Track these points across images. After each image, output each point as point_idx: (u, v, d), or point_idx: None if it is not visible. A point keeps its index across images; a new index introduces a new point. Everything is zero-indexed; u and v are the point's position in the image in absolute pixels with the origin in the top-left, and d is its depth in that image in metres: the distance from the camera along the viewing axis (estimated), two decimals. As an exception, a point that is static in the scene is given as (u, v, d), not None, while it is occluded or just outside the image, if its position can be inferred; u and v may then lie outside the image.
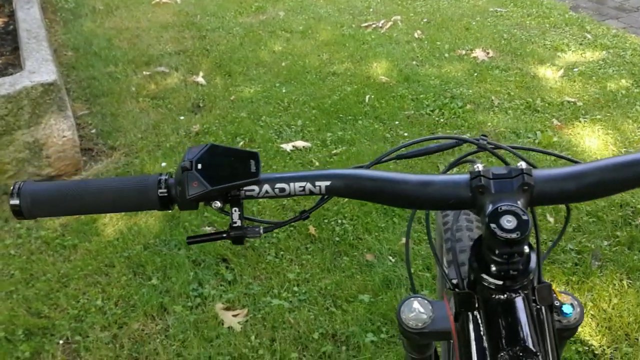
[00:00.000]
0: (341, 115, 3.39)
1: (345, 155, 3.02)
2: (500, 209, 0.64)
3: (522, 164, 0.68)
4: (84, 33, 4.64)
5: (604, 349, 1.96)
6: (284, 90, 3.70)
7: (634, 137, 3.05)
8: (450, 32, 4.42)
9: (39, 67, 2.92)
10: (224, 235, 0.74)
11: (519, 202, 0.65)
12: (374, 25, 4.55)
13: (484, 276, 0.67)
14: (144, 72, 4.03)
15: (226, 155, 0.72)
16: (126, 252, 2.46)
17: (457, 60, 4.00)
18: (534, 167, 0.72)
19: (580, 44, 4.14)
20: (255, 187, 0.72)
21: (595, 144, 3.01)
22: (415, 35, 4.38)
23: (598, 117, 3.25)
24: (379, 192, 0.71)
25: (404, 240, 2.41)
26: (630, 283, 2.19)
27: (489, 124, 3.22)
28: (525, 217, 0.63)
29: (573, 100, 3.42)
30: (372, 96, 3.56)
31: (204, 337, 2.09)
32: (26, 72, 2.87)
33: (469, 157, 0.81)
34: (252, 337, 2.07)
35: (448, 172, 0.76)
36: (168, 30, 4.68)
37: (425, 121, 3.29)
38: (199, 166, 0.70)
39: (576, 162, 0.72)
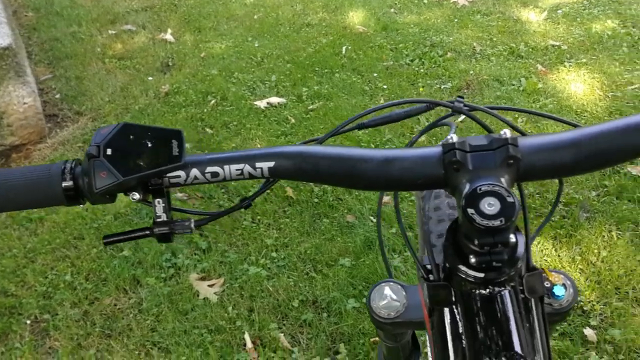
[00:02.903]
0: (317, 69, 3.24)
1: (322, 110, 2.89)
2: (480, 189, 0.52)
3: (506, 132, 0.56)
4: (44, -9, 4.40)
5: (593, 305, 1.89)
6: (256, 45, 3.53)
7: (621, 80, 2.93)
8: (429, -24, 4.24)
9: (-9, 30, 2.73)
10: (147, 232, 0.63)
11: (502, 180, 0.54)
12: (349, -28, 4.35)
13: (462, 267, 0.56)
14: (110, 31, 3.83)
15: (142, 136, 0.60)
16: (95, 223, 2.35)
17: (437, 5, 3.83)
18: (523, 133, 0.60)
19: (564, -16, 3.98)
20: (181, 173, 0.60)
21: (581, 89, 2.90)
22: (393, -19, 4.19)
23: (583, 60, 3.13)
24: (334, 173, 0.58)
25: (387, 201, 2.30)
26: (619, 234, 2.11)
27: (471, 72, 3.09)
28: (510, 199, 0.51)
29: (557, 43, 3.29)
30: (349, 47, 3.40)
31: (178, 310, 1.99)
32: (-23, 36, 2.68)
33: (447, 122, 0.69)
34: (229, 308, 1.98)
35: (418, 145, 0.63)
36: (134, -15, 4.45)
37: (405, 72, 3.15)
38: (109, 152, 0.58)
39: (575, 126, 0.61)
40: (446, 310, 0.61)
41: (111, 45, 3.67)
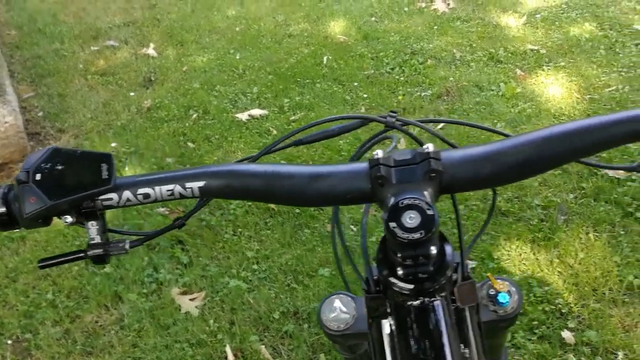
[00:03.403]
0: (299, 79, 3.25)
1: (304, 121, 2.90)
2: (402, 203, 0.53)
3: (429, 147, 0.58)
4: (27, 9, 4.41)
5: (571, 307, 1.90)
6: (238, 57, 3.54)
7: (598, 82, 2.96)
8: (409, -16, 4.26)
9: (-30, 51, 2.74)
10: (82, 255, 0.63)
11: (425, 193, 0.55)
12: (330, -18, 4.37)
13: (392, 280, 0.58)
14: (92, 47, 3.84)
15: (71, 160, 0.60)
16: (77, 241, 2.35)
17: (417, 13, 3.86)
18: (454, 146, 0.61)
19: (543, -12, 4.01)
20: (114, 195, 0.61)
21: (559, 92, 2.92)
22: (374, -11, 4.22)
23: (562, 64, 3.15)
24: (264, 190, 0.60)
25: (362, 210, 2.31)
26: (596, 236, 2.12)
27: (451, 78, 3.11)
28: (430, 212, 0.53)
29: (536, 48, 3.32)
30: (330, 57, 3.42)
31: (160, 324, 2.00)
32: (-44, 57, 2.69)
33: (390, 136, 0.70)
34: (211, 321, 1.98)
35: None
36: (116, 1, 4.47)
37: (386, 80, 3.17)
38: (38, 177, 0.58)
39: (507, 136, 0.62)
40: (384, 321, 0.62)
41: (93, 62, 3.68)
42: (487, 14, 3.75)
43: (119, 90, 3.35)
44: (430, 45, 3.44)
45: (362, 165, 0.58)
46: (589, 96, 2.86)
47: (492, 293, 0.75)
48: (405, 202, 0.54)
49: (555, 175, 2.41)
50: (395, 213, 0.53)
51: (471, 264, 2.07)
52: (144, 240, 0.67)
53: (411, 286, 0.57)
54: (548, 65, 3.15)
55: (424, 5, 3.93)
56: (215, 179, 0.60)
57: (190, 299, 2.08)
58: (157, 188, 0.60)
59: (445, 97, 2.98)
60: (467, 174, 0.56)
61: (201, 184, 0.60)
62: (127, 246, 0.64)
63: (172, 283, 2.14)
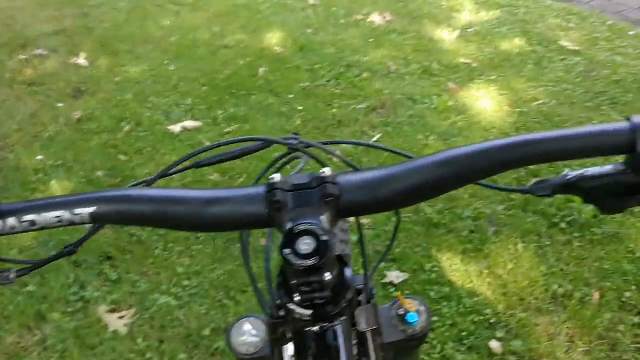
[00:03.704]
0: (234, 91, 3.22)
1: (238, 133, 2.88)
2: (297, 229, 0.52)
3: (326, 170, 0.57)
4: (-49, 16, 4.23)
5: (499, 317, 1.93)
6: (172, 68, 3.49)
7: (526, 96, 3.05)
8: (346, -3, 4.30)
9: None
10: None
11: (322, 218, 0.54)
12: (267, -6, 4.37)
13: (291, 306, 0.56)
14: (20, 56, 3.71)
15: None
16: None
17: (354, 26, 3.89)
18: (356, 168, 0.61)
19: (476, 3, 4.12)
20: None
21: (490, 105, 3.00)
22: (311, 1, 4.23)
23: (493, 77, 3.24)
24: (158, 216, 0.57)
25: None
26: (524, 246, 2.17)
27: (386, 91, 3.15)
28: (325, 238, 0.52)
29: (469, 61, 3.39)
30: (266, 69, 3.41)
31: (85, 344, 1.93)
32: None
33: (299, 156, 0.69)
34: (139, 340, 1.92)
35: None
36: (46, 8, 4.34)
37: (322, 93, 3.18)
38: None
39: (409, 157, 0.62)
40: (285, 347, 0.61)
41: (21, 71, 3.55)
42: (422, 27, 3.82)
43: (47, 101, 3.24)
44: (366, 58, 3.47)
45: (260, 189, 0.57)
46: (518, 109, 2.94)
47: (401, 313, 0.74)
48: (301, 227, 0.53)
49: (485, 187, 2.46)
50: (289, 239, 0.52)
51: (402, 276, 2.08)
52: (32, 269, 0.64)
53: (309, 312, 0.56)
54: (480, 79, 3.23)
55: (360, 17, 3.96)
56: (107, 205, 0.58)
57: (119, 317, 2.02)
58: (44, 215, 0.57)
59: (380, 110, 3.01)
60: (364, 198, 0.56)
61: (92, 210, 0.57)
62: (12, 276, 0.61)
63: (99, 301, 2.07)
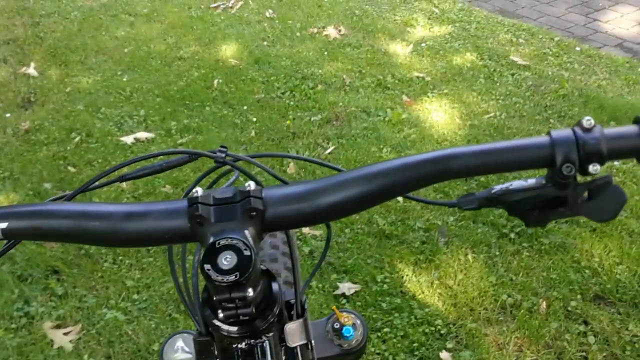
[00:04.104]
0: (187, 102, 3.20)
1: (191, 144, 2.85)
2: (218, 243, 0.52)
3: (250, 185, 0.57)
4: None
5: (449, 327, 1.95)
6: (126, 79, 3.44)
7: (478, 109, 3.10)
8: (302, 9, 4.31)
9: None
10: None
11: (246, 232, 0.54)
12: (223, 6, 4.35)
13: (216, 323, 0.55)
14: (-33, 66, 3.61)
15: None
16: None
17: (309, 39, 3.91)
18: (285, 182, 0.60)
19: (429, 19, 4.18)
20: None
21: (442, 118, 3.04)
22: (267, 14, 4.23)
23: (445, 91, 3.29)
24: (75, 231, 0.56)
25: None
26: (474, 257, 2.21)
27: (340, 103, 3.16)
28: (247, 253, 0.51)
29: (422, 75, 3.44)
30: (221, 80, 3.39)
31: (29, 362, 1.87)
32: None
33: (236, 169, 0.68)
34: (85, 356, 1.88)
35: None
36: (-4, 17, 4.23)
37: (276, 104, 3.17)
38: None
39: (339, 171, 0.62)
40: None
41: (-33, 81, 3.45)
42: (377, 41, 3.86)
43: (-5, 112, 3.16)
44: (321, 71, 3.49)
45: (181, 203, 0.56)
46: (469, 122, 2.99)
47: (337, 327, 0.74)
48: (222, 242, 0.52)
49: (436, 199, 2.49)
50: (210, 254, 0.51)
51: (354, 287, 2.08)
52: None
53: (234, 328, 0.55)
54: (432, 92, 3.28)
55: (315, 30, 3.98)
56: (20, 220, 0.56)
57: (64, 333, 1.97)
58: None
59: (334, 122, 3.02)
60: (290, 212, 0.56)
61: (3, 225, 0.55)
62: None
63: (44, 316, 2.02)
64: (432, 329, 1.94)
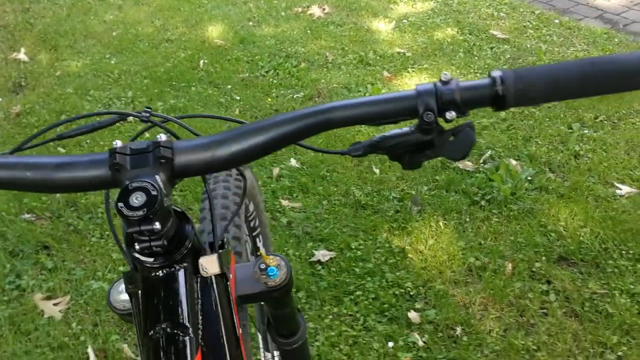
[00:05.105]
0: (174, 83, 3.28)
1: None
2: (131, 186, 0.61)
3: (162, 136, 0.66)
4: None
5: (419, 289, 2.05)
6: (114, 62, 3.52)
7: (456, 83, 3.17)
8: (288, -10, 4.37)
9: None
10: None
11: (157, 177, 0.63)
12: (210, -13, 4.42)
13: (136, 255, 0.65)
14: (-41, 53, 3.70)
15: None
16: None
17: (294, 18, 3.98)
18: (196, 135, 0.69)
19: (413, -5, 4.24)
20: None
21: (421, 92, 3.11)
22: (253, -5, 4.30)
23: (425, 66, 3.36)
24: (11, 179, 0.65)
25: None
26: (445, 223, 2.30)
27: (322, 80, 3.25)
28: (154, 193, 0.60)
29: (403, 51, 3.51)
30: (207, 61, 3.47)
31: (20, 331, 1.98)
32: None
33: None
34: (74, 324, 1.99)
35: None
36: (-13, 5, 4.31)
37: (260, 83, 3.26)
38: None
39: (241, 123, 0.71)
40: (139, 293, 0.69)
41: (-40, 67, 3.54)
42: (360, 18, 3.93)
43: (-13, 97, 3.25)
44: (304, 49, 3.56)
45: (104, 155, 0.65)
46: (446, 96, 3.07)
47: (262, 267, 0.84)
48: (134, 184, 0.61)
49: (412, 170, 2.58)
50: (123, 195, 0.60)
51: (328, 254, 2.18)
52: None
53: (151, 259, 0.64)
54: (413, 67, 3.35)
55: (300, 10, 4.05)
56: None
57: (54, 304, 2.08)
58: None
59: (316, 99, 3.11)
60: (197, 160, 0.65)
61: None
62: None
63: (35, 289, 2.13)
64: (402, 291, 2.05)
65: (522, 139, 2.74)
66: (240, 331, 0.74)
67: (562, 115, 2.90)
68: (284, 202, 2.42)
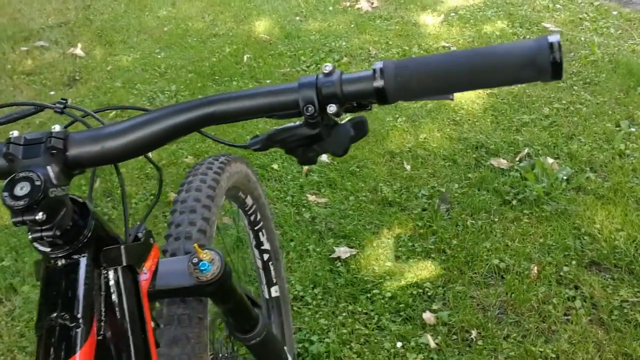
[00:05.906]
0: (217, 77, 3.33)
1: (216, 118, 2.98)
2: (18, 175, 0.62)
3: (56, 127, 0.66)
4: (-39, 11, 4.43)
5: (437, 290, 2.00)
6: (162, 56, 3.61)
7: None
8: (339, -16, 4.35)
9: None
10: None
11: (48, 168, 0.63)
12: (261, -18, 4.45)
13: (34, 244, 0.66)
14: (22, 48, 3.88)
15: None
16: (-19, 236, 2.41)
17: (342, 12, 3.96)
18: (104, 123, 0.70)
19: (467, -13, 4.13)
20: None
21: (463, 87, 3.03)
22: (303, -11, 4.30)
23: (470, 60, 3.26)
24: None
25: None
26: (473, 223, 2.23)
27: (363, 75, 3.21)
28: (38, 183, 0.61)
29: (448, 44, 3.43)
30: (251, 55, 3.51)
31: None
32: None
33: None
34: None
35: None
36: (51, 2, 4.50)
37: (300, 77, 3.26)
38: None
39: (145, 111, 0.70)
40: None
41: (21, 62, 3.72)
42: (408, 12, 3.86)
43: (42, 90, 3.40)
44: (348, 44, 3.54)
45: (2, 146, 0.66)
46: (489, 90, 2.98)
47: (195, 261, 0.84)
48: (21, 174, 0.61)
49: (445, 166, 2.52)
50: (9, 184, 0.61)
51: (350, 251, 2.16)
52: None
53: (48, 249, 0.65)
54: (457, 62, 3.26)
55: (348, 4, 4.02)
56: None
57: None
58: None
59: (355, 94, 3.08)
60: (89, 153, 0.65)
61: None
62: None
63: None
64: (420, 291, 2.00)
65: (563, 137, 2.63)
66: (152, 324, 0.74)
67: (610, 112, 2.75)
68: (311, 198, 2.42)
